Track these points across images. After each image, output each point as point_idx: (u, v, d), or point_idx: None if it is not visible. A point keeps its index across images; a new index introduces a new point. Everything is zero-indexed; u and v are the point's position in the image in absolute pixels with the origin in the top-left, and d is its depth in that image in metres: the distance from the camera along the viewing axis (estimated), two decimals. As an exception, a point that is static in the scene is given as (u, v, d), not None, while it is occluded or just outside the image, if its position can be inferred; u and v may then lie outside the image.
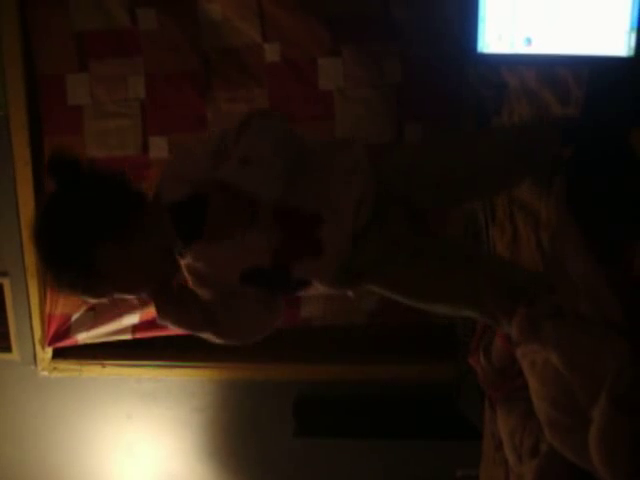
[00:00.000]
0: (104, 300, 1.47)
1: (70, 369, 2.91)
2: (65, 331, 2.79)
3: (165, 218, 1.41)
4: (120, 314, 2.71)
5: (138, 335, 2.76)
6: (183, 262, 1.48)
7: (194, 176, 1.38)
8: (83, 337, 2.79)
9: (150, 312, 2.70)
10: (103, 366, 2.89)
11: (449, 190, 1.58)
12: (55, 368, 2.90)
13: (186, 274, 1.50)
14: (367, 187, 1.47)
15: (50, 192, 1.43)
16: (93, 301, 1.57)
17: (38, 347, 2.86)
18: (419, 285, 1.54)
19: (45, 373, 2.91)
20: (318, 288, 1.53)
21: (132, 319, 2.72)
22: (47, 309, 2.77)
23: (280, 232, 1.43)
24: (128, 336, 2.77)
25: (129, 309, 2.71)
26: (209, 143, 1.46)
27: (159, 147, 2.61)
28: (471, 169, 1.56)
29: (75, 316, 2.76)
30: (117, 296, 1.48)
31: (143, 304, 2.68)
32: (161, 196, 1.43)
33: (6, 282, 2.80)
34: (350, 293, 1.58)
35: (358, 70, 2.50)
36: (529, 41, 1.32)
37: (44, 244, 1.39)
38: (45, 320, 2.79)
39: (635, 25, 1.26)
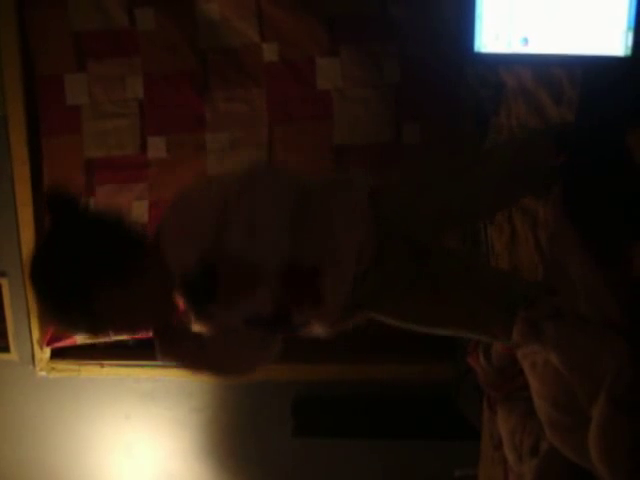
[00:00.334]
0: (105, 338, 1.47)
1: (68, 369, 2.90)
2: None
3: (165, 269, 1.39)
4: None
5: (137, 335, 2.76)
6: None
7: (199, 239, 1.36)
8: (81, 337, 2.79)
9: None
10: (101, 366, 2.89)
11: (449, 221, 1.58)
12: (53, 368, 2.90)
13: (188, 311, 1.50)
14: (368, 233, 1.47)
15: (47, 230, 1.43)
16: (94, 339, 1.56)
17: (36, 347, 2.86)
18: (417, 312, 1.55)
19: (43, 373, 2.90)
20: (318, 329, 1.55)
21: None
22: (45, 309, 2.76)
23: (281, 286, 1.42)
24: (126, 336, 2.77)
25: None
26: (212, 201, 1.41)
27: (158, 147, 2.60)
28: (471, 200, 1.57)
29: (74, 316, 2.76)
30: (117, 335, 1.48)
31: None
32: (163, 246, 1.41)
33: (4, 282, 2.80)
34: (349, 325, 1.59)
35: (356, 70, 2.50)
36: (526, 41, 1.32)
37: (42, 287, 1.38)
38: (43, 320, 2.79)
39: (632, 25, 1.26)
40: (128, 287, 1.35)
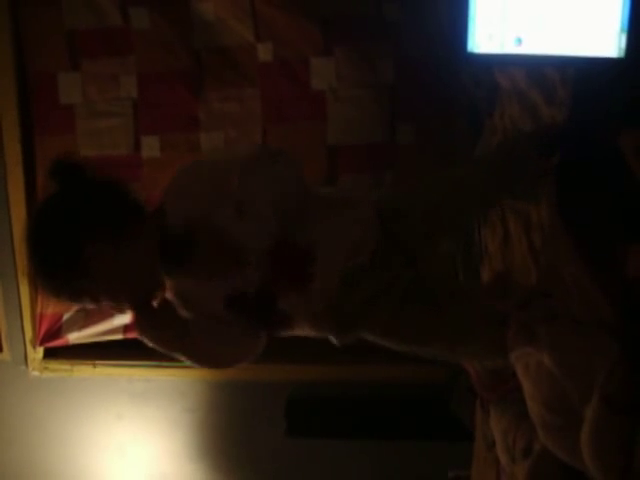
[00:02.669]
0: (87, 304, 1.45)
1: (61, 369, 2.90)
2: (56, 331, 2.78)
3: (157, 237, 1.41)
4: (111, 314, 2.71)
5: (129, 335, 2.75)
6: (169, 282, 1.47)
7: (192, 207, 1.39)
8: (74, 337, 2.78)
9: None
10: (94, 366, 2.88)
11: (441, 228, 1.59)
12: (46, 368, 2.90)
13: (171, 294, 1.49)
14: (368, 228, 1.48)
15: (49, 193, 1.42)
16: (76, 304, 1.54)
17: (29, 347, 2.85)
18: (410, 326, 1.57)
19: (36, 373, 2.90)
20: (304, 327, 1.53)
21: (123, 319, 2.71)
22: (38, 309, 2.76)
23: (269, 265, 1.43)
24: (119, 336, 2.76)
25: (120, 309, 2.70)
26: (215, 175, 1.44)
27: (151, 146, 2.60)
28: (463, 208, 1.60)
29: (66, 316, 2.75)
30: (99, 300, 1.47)
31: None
32: (164, 213, 1.43)
33: (-3, 281, 2.80)
34: (335, 341, 1.59)
35: (350, 70, 2.50)
36: (519, 41, 1.32)
37: (33, 238, 1.37)
38: (36, 320, 2.78)
39: (625, 26, 1.26)
40: (119, 251, 1.35)
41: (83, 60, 2.56)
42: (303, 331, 1.56)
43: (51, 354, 2.89)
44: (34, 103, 2.61)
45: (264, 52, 2.52)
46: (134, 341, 2.74)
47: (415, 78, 2.49)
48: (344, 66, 2.49)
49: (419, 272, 1.56)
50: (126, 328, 2.74)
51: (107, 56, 2.55)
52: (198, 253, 1.31)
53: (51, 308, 2.74)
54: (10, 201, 2.68)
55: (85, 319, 2.75)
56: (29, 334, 2.83)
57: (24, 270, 2.72)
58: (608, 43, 1.29)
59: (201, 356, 1.52)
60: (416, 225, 1.53)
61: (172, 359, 2.81)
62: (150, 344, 1.46)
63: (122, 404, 2.97)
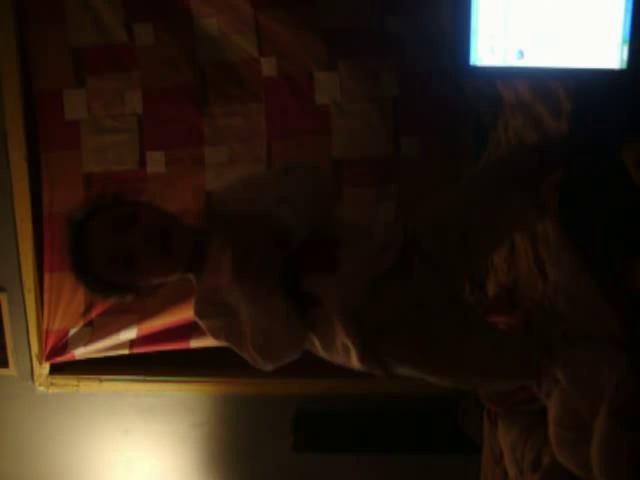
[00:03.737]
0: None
1: (68, 384, 2.90)
2: (62, 346, 2.78)
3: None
4: (118, 329, 2.71)
5: (136, 350, 2.75)
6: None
7: (239, 196, 1.55)
8: (81, 352, 2.78)
9: (147, 327, 2.69)
10: (101, 381, 2.88)
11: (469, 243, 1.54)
12: (52, 383, 2.90)
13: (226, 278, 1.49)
14: (395, 234, 1.50)
15: None
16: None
17: (35, 362, 2.86)
18: (439, 347, 1.50)
19: (42, 388, 2.90)
20: (340, 338, 1.51)
21: (130, 334, 2.72)
22: (44, 324, 2.76)
23: (298, 249, 1.46)
24: (126, 351, 2.76)
25: (127, 324, 2.70)
26: (259, 178, 1.69)
27: (156, 162, 2.61)
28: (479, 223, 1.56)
29: (72, 331, 2.75)
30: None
31: (141, 319, 2.68)
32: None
33: (3, 297, 2.80)
34: (378, 371, 1.57)
35: (354, 84, 2.50)
36: (521, 54, 1.31)
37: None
38: (42, 335, 2.78)
39: (627, 38, 1.26)
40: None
41: (88, 76, 2.57)
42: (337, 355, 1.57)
43: (57, 369, 2.90)
44: (40, 119, 2.62)
45: (268, 67, 2.52)
46: (140, 356, 2.77)
47: (419, 91, 2.50)
48: (348, 80, 2.49)
49: (454, 290, 1.55)
50: (132, 343, 2.74)
51: (112, 72, 2.56)
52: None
53: (57, 324, 2.75)
54: (16, 217, 2.70)
55: (91, 334, 2.75)
56: (35, 349, 2.84)
57: (30, 286, 2.76)
58: (610, 55, 1.28)
59: (248, 345, 1.52)
60: (442, 239, 1.51)
61: (179, 374, 2.86)
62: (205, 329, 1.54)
63: (129, 419, 2.97)
